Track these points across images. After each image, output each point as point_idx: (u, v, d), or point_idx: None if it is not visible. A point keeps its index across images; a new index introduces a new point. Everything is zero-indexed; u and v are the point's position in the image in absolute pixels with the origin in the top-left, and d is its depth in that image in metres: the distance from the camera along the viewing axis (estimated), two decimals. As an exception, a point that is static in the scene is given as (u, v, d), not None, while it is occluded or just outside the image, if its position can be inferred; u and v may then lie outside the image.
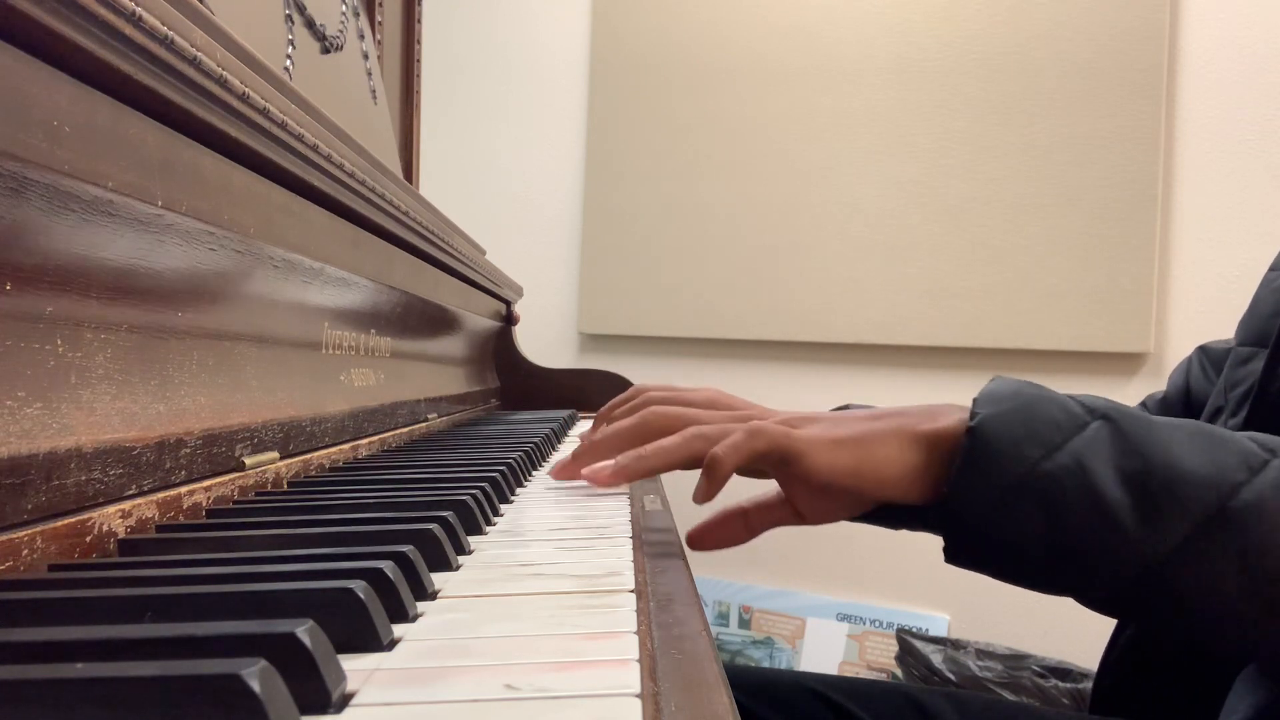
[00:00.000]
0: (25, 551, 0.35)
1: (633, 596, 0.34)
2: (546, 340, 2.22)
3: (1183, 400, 0.86)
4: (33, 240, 0.36)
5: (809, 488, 0.54)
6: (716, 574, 2.01)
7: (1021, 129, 1.91)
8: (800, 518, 0.57)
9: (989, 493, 0.46)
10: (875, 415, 0.53)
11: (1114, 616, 0.49)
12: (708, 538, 0.58)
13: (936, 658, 1.77)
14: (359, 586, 0.29)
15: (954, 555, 0.50)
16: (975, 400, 0.50)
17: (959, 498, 0.47)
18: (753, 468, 0.53)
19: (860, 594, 1.99)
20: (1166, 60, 1.83)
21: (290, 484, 0.59)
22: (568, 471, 0.62)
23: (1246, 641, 0.45)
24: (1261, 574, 0.42)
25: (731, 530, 0.58)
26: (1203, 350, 0.87)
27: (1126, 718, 0.71)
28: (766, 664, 2.00)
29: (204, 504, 0.49)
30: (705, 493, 0.52)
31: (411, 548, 0.36)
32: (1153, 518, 0.44)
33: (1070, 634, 1.78)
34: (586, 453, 0.61)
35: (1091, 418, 0.47)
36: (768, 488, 0.58)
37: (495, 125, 2.31)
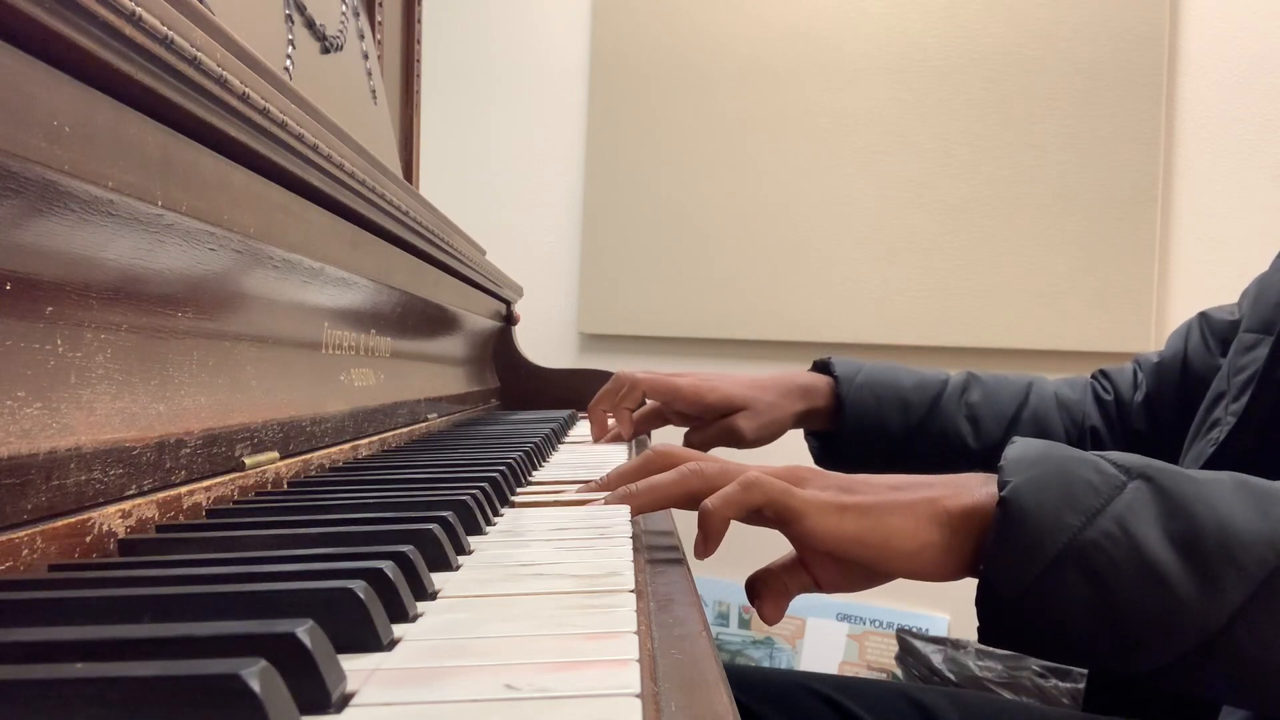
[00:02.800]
0: (25, 551, 0.35)
1: (633, 596, 0.34)
2: (546, 340, 2.22)
3: (1179, 367, 0.86)
4: (33, 240, 0.36)
5: (818, 554, 0.51)
6: (716, 574, 2.01)
7: (1022, 129, 1.91)
8: (816, 585, 0.53)
9: (1029, 567, 0.43)
10: (897, 485, 0.49)
11: (1170, 689, 0.46)
12: (769, 608, 0.53)
13: (936, 658, 1.77)
14: (359, 586, 0.29)
15: (993, 637, 0.47)
16: (1001, 467, 0.46)
17: (995, 576, 0.44)
18: (751, 522, 0.51)
19: (860, 594, 1.98)
20: (1166, 60, 1.83)
21: (290, 484, 0.59)
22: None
23: None
24: None
25: (776, 588, 0.53)
26: (1204, 317, 0.86)
27: (1122, 715, 0.71)
28: (766, 664, 2.00)
29: (204, 504, 0.49)
30: (703, 548, 0.49)
31: (411, 548, 0.36)
32: (1208, 581, 0.41)
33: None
34: (594, 490, 0.58)
35: (1129, 478, 0.44)
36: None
37: (495, 125, 2.30)
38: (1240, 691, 0.44)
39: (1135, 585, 0.42)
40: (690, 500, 0.51)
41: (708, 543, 0.49)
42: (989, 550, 0.44)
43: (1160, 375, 0.87)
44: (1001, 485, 0.45)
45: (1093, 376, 0.95)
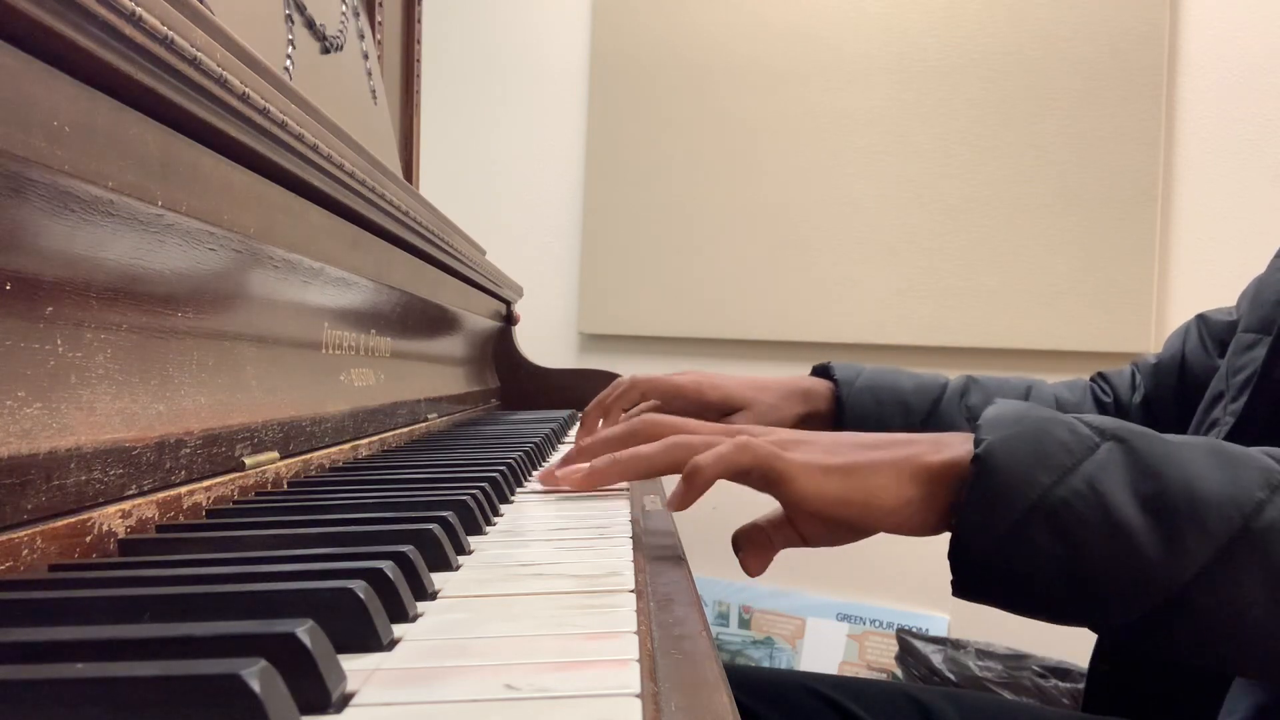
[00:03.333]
0: (25, 551, 0.35)
1: (633, 596, 0.34)
2: (546, 340, 2.22)
3: (1177, 368, 0.86)
4: (33, 240, 0.36)
5: (804, 513, 0.53)
6: (716, 574, 2.01)
7: (1022, 129, 1.91)
8: (802, 539, 0.55)
9: (999, 522, 0.44)
10: (876, 443, 0.51)
11: (1135, 646, 0.47)
12: (753, 561, 0.55)
13: (936, 658, 1.77)
14: (359, 586, 0.29)
15: (964, 589, 0.48)
16: (978, 426, 0.47)
17: (968, 529, 0.45)
18: (739, 483, 0.52)
19: (860, 594, 1.99)
20: (1166, 61, 1.83)
21: (290, 484, 0.59)
22: (551, 478, 0.61)
23: (1276, 665, 0.44)
24: None
25: (760, 541, 0.55)
26: (1202, 319, 0.86)
27: (1122, 716, 0.71)
28: (766, 664, 2.00)
29: (204, 504, 0.49)
30: (680, 499, 0.51)
31: (411, 548, 0.36)
32: (1174, 541, 0.42)
33: (1070, 634, 1.77)
34: (573, 459, 0.60)
35: (1102, 439, 0.45)
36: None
37: (495, 125, 2.31)
38: (1204, 650, 0.44)
39: (1103, 543, 0.43)
40: (674, 469, 0.52)
41: (687, 496, 0.51)
42: (962, 505, 0.45)
43: (1158, 377, 0.88)
44: (977, 443, 0.46)
45: (1091, 379, 0.95)
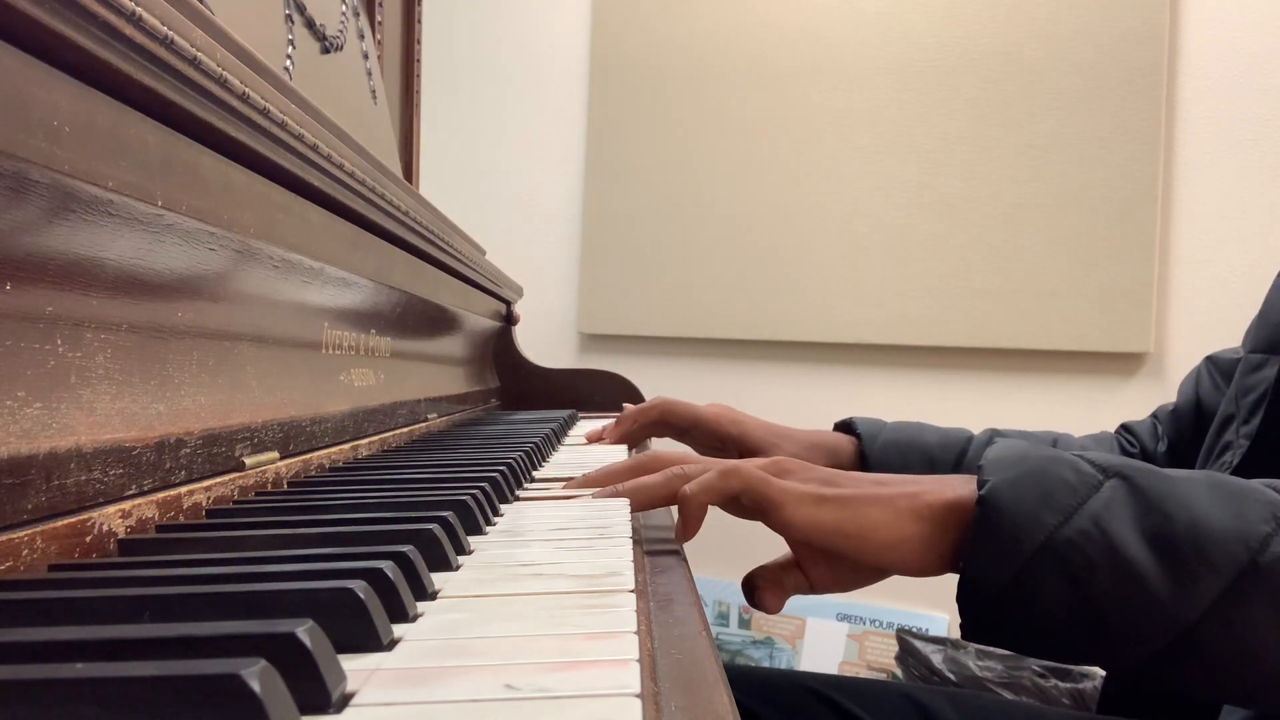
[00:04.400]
0: (25, 551, 0.35)
1: (633, 596, 0.34)
2: (546, 340, 2.22)
3: (1193, 412, 0.86)
4: (33, 240, 0.36)
5: (802, 545, 0.53)
6: (716, 574, 2.02)
7: (1021, 129, 1.91)
8: (810, 586, 0.54)
9: (1007, 564, 0.44)
10: (881, 480, 0.50)
11: (1147, 683, 0.48)
12: (768, 599, 0.55)
13: (936, 658, 1.77)
14: (359, 586, 0.29)
15: (974, 633, 0.48)
16: (981, 467, 0.47)
17: (975, 572, 0.45)
18: (733, 511, 0.52)
19: (860, 594, 1.99)
20: (1166, 60, 1.83)
21: (290, 484, 0.59)
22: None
23: None
24: None
25: (773, 579, 0.55)
26: (1211, 361, 0.86)
27: (1128, 717, 0.71)
28: (766, 664, 2.00)
29: (204, 504, 0.49)
30: (682, 532, 0.51)
31: (411, 548, 0.36)
32: (1182, 578, 0.42)
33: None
34: (579, 486, 0.60)
35: (1105, 476, 0.45)
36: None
37: (495, 125, 2.31)
38: (1217, 686, 0.44)
39: (1111, 582, 0.43)
40: (673, 500, 0.52)
41: (686, 527, 0.51)
42: (969, 547, 0.45)
43: (1179, 423, 0.87)
44: (981, 484, 0.46)
45: (1116, 432, 0.95)
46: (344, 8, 1.02)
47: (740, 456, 0.89)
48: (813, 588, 0.54)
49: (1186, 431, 0.87)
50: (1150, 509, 0.43)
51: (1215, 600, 0.41)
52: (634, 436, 0.95)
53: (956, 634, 1.88)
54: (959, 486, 0.48)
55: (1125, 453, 0.92)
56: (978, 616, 0.47)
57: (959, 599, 0.47)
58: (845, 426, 0.94)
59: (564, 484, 0.61)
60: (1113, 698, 0.75)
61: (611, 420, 0.98)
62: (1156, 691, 0.71)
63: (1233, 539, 0.42)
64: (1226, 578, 0.41)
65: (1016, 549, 0.44)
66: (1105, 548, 0.43)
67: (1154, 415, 0.92)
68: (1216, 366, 0.85)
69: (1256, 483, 0.45)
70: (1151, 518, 0.43)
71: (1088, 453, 0.48)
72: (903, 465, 0.88)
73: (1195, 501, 0.43)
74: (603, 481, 0.57)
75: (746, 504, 0.50)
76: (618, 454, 0.86)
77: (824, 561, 0.53)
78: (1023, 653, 0.48)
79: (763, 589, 0.54)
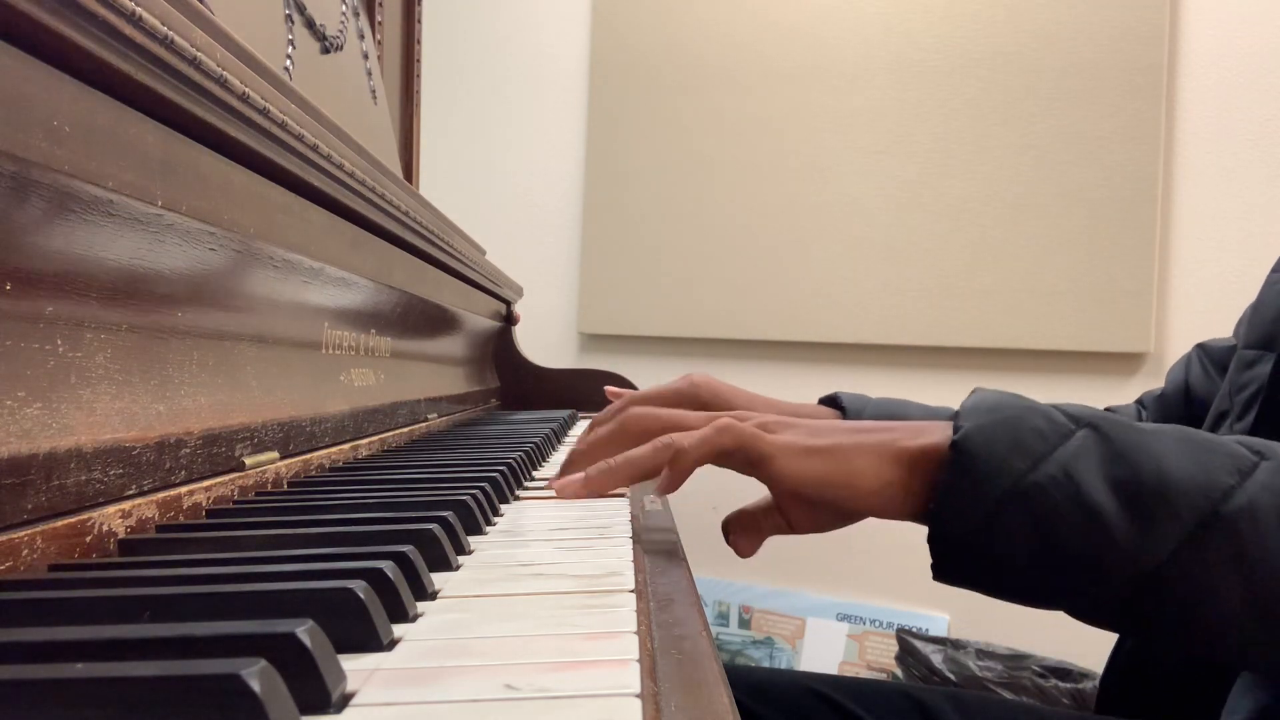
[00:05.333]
0: (25, 551, 0.35)
1: (633, 596, 0.34)
2: (546, 340, 2.22)
3: (1182, 398, 0.86)
4: (33, 240, 0.36)
5: (789, 495, 0.54)
6: (716, 574, 2.01)
7: (1021, 129, 1.91)
8: (789, 526, 0.56)
9: (976, 507, 0.45)
10: (858, 428, 0.52)
11: (1110, 629, 0.48)
12: (742, 543, 0.57)
13: (936, 658, 1.77)
14: (359, 586, 0.29)
15: (943, 573, 0.49)
16: (957, 414, 0.49)
17: (946, 513, 0.46)
18: (723, 465, 0.53)
19: (860, 594, 1.99)
20: (1166, 60, 1.83)
21: (290, 484, 0.59)
22: (551, 485, 0.62)
23: (1246, 649, 0.44)
24: (1257, 579, 0.42)
25: (749, 524, 0.57)
26: (1201, 348, 0.87)
27: (1130, 718, 0.71)
28: (766, 664, 2.00)
29: (204, 504, 0.49)
30: (666, 483, 0.52)
31: (411, 548, 0.36)
32: (1144, 525, 0.43)
33: (1070, 634, 1.77)
34: (569, 466, 0.60)
35: (1076, 426, 0.46)
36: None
37: (495, 125, 2.31)
38: (1177, 635, 0.45)
39: (1076, 527, 0.44)
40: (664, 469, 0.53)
41: (673, 481, 0.52)
42: (940, 490, 0.47)
43: (1165, 408, 0.88)
44: (956, 430, 0.47)
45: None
46: (344, 8, 1.02)
47: None
48: (792, 529, 0.56)
49: (1173, 417, 0.87)
50: (1118, 458, 0.45)
51: (1176, 548, 0.43)
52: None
53: (956, 634, 1.88)
54: (936, 432, 0.50)
55: None
56: (947, 556, 0.48)
57: (930, 540, 0.48)
58: (831, 401, 0.95)
59: (555, 474, 0.61)
60: (1113, 698, 0.75)
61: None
62: (1155, 691, 0.71)
63: (1196, 489, 0.43)
64: (1188, 526, 0.42)
65: (986, 493, 0.45)
66: (1072, 494, 0.44)
67: (1139, 401, 0.92)
68: (1207, 354, 0.85)
69: (1227, 438, 0.46)
70: (1119, 466, 0.44)
71: (1063, 404, 0.49)
72: None
73: (1163, 453, 0.45)
74: (591, 457, 0.58)
75: (739, 459, 0.51)
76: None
77: (805, 506, 0.55)
78: (990, 594, 0.49)
79: (738, 534, 0.56)
